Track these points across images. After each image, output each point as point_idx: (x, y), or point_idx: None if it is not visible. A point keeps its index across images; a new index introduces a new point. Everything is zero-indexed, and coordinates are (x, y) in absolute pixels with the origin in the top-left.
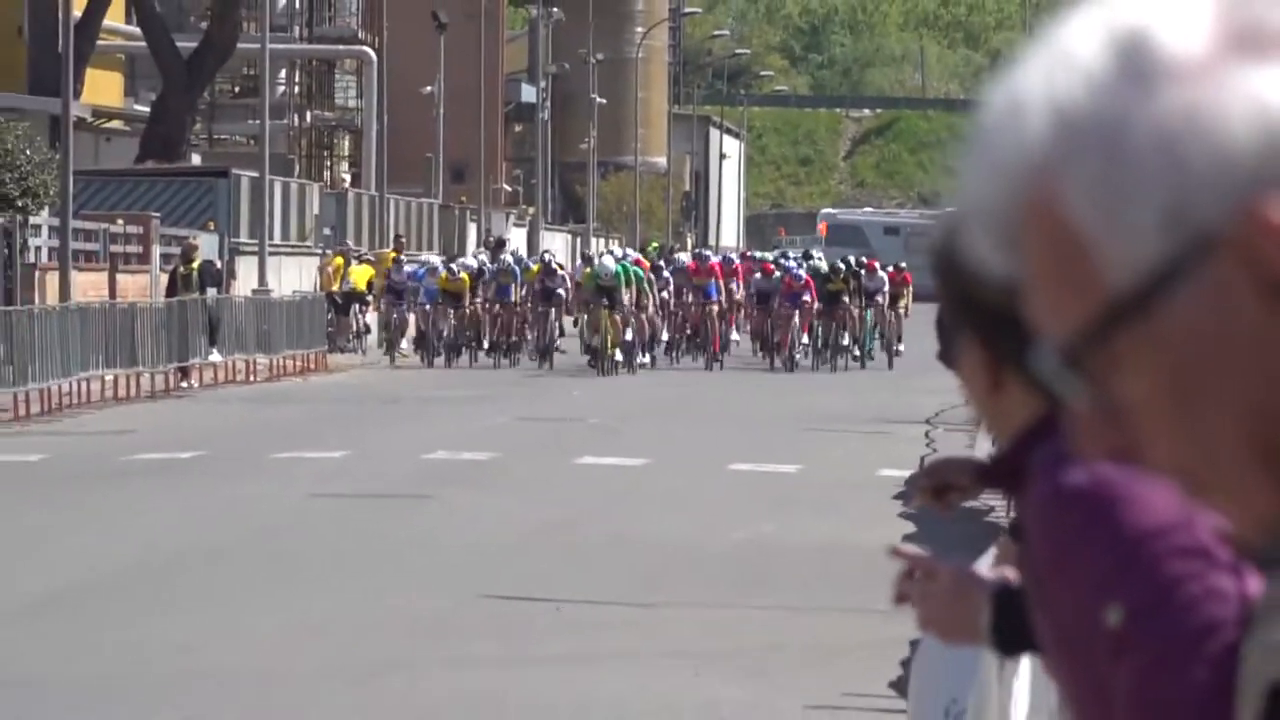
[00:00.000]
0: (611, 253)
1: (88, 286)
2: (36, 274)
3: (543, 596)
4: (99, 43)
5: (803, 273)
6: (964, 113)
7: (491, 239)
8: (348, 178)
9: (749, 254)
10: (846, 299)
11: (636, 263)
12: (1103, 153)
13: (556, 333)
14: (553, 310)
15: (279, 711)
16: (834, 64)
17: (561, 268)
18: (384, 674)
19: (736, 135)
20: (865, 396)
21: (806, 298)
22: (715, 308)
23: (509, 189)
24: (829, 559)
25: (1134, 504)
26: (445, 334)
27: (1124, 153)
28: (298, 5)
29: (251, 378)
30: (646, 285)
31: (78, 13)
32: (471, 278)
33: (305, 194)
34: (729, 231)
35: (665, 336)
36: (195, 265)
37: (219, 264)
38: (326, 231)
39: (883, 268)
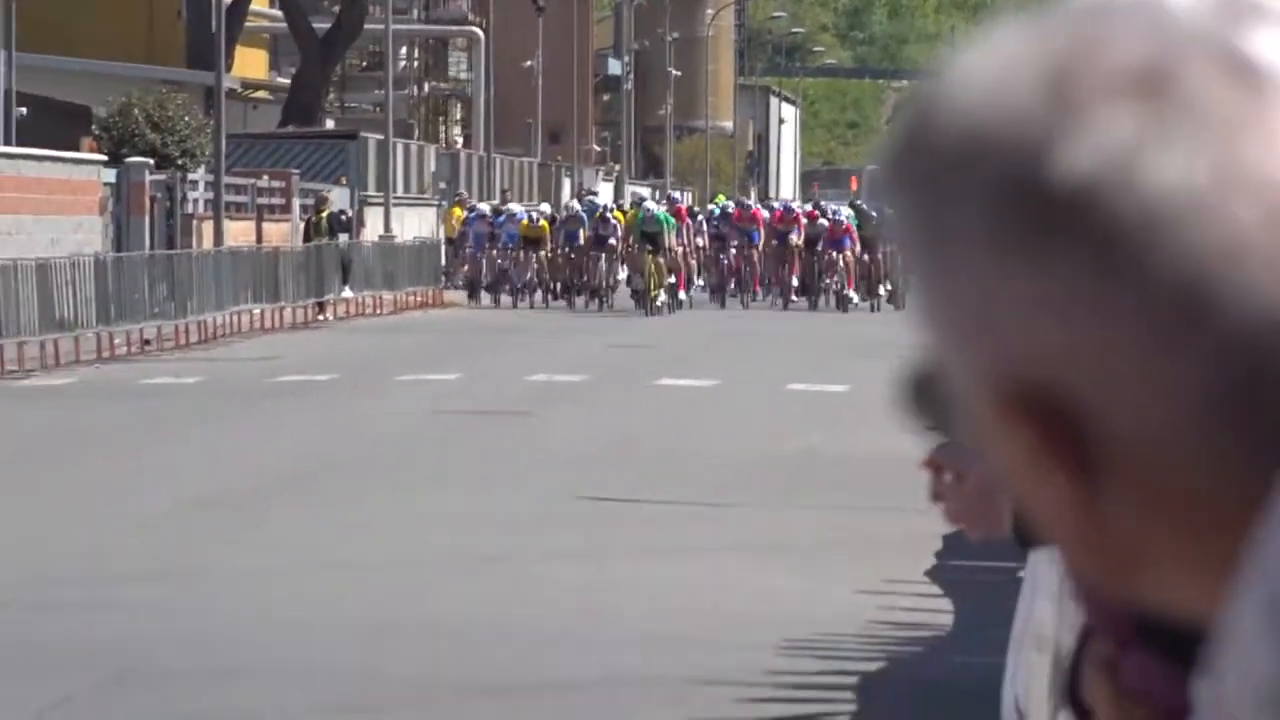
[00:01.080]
0: (581, 194)
1: (238, 233)
2: (194, 223)
3: (626, 497)
4: (246, 24)
5: (843, 218)
6: None
7: (583, 190)
8: (460, 140)
9: (788, 205)
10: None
11: (674, 211)
12: None
13: (608, 276)
14: (603, 255)
15: (405, 595)
16: (874, 41)
17: (614, 215)
18: (493, 563)
19: (793, 103)
20: (903, 326)
21: (849, 242)
22: (755, 252)
23: (598, 149)
24: (871, 465)
25: None
26: (529, 276)
27: None
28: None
29: (378, 311)
30: (678, 231)
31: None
32: (550, 224)
33: (423, 154)
34: (786, 186)
35: (700, 280)
36: (324, 215)
37: (348, 213)
38: (442, 186)
39: None
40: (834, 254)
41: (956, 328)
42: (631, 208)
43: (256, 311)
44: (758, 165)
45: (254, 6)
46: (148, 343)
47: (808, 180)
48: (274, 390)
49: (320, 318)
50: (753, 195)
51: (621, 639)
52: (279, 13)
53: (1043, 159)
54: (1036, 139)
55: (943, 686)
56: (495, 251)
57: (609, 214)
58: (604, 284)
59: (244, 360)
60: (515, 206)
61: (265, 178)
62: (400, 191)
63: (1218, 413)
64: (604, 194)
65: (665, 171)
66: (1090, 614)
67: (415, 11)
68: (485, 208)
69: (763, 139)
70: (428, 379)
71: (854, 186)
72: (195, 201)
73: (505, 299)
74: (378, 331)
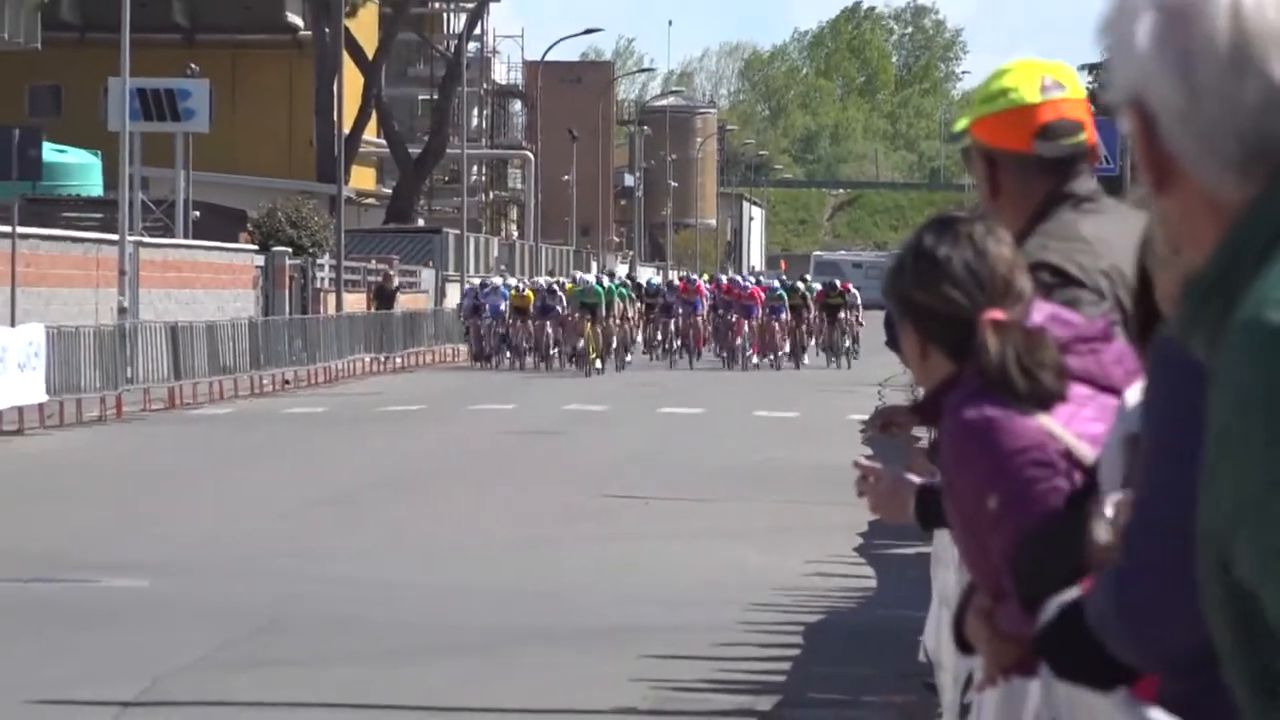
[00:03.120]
0: (602, 273)
1: (352, 302)
2: (321, 295)
3: (638, 495)
4: (360, 149)
5: (749, 285)
6: (902, 192)
7: (606, 270)
8: (516, 233)
9: (717, 278)
10: (805, 311)
11: (621, 283)
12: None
13: (551, 340)
14: (548, 323)
15: (475, 566)
16: (819, 161)
17: (559, 289)
18: (538, 545)
19: (759, 205)
20: (839, 372)
21: (757, 311)
22: (699, 319)
23: (616, 239)
24: (816, 470)
25: (1006, 430)
26: (518, 340)
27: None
28: (484, 124)
29: (440, 361)
30: (628, 300)
31: (347, 130)
32: (533, 295)
33: (488, 244)
34: (755, 267)
35: (640, 340)
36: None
37: (398, 286)
38: (502, 268)
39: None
40: (739, 319)
41: None
42: (571, 283)
43: (366, 359)
44: (734, 251)
45: (365, 135)
46: (287, 382)
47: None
48: (379, 417)
49: (414, 363)
50: (729, 272)
51: (633, 597)
52: (384, 141)
53: None
54: None
55: (868, 632)
56: (481, 321)
57: (556, 288)
58: (547, 347)
59: (357, 395)
60: (495, 280)
61: (373, 261)
62: (471, 271)
63: None
64: (620, 272)
65: (667, 255)
66: (975, 576)
67: (483, 140)
68: (476, 283)
69: (738, 232)
70: (491, 408)
71: (783, 267)
72: (321, 279)
73: (503, 361)
74: (452, 373)
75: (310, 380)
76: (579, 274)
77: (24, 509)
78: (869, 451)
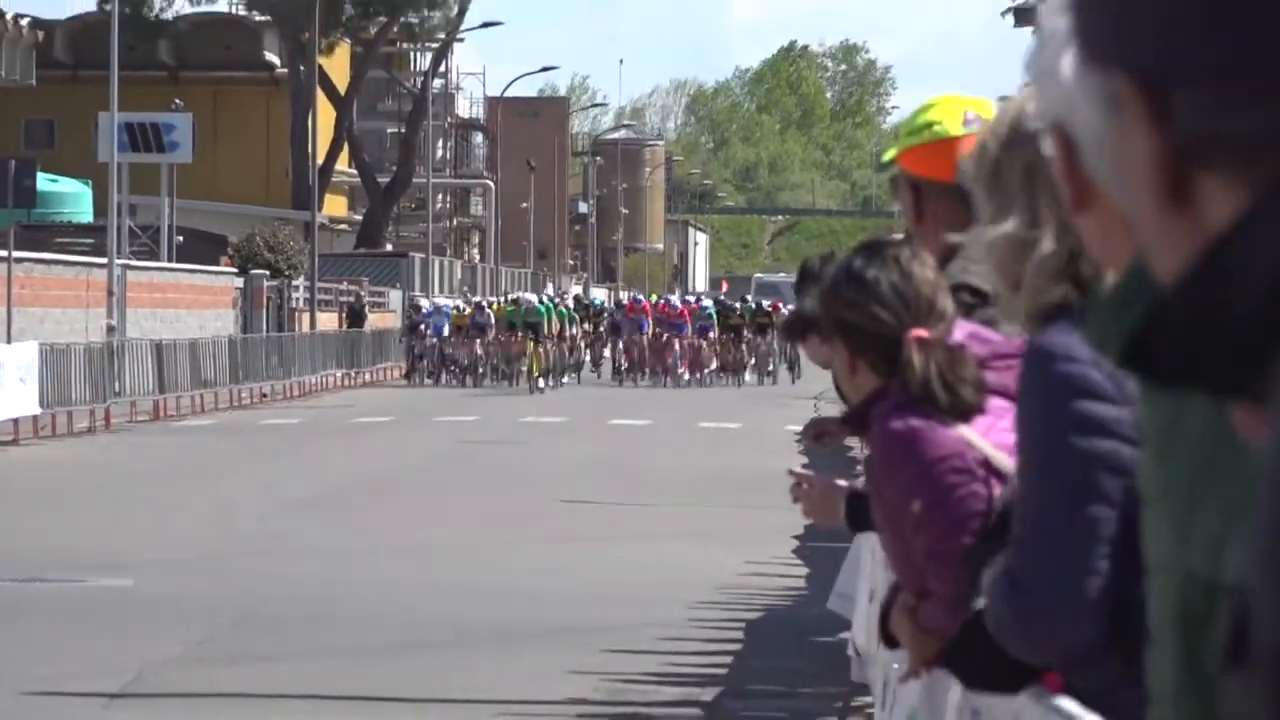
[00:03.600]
0: (543, 294)
1: (325, 321)
2: (296, 314)
3: (589, 500)
4: (333, 179)
5: (678, 303)
6: (836, 218)
7: (562, 291)
8: (478, 256)
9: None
10: (745, 331)
11: (561, 303)
12: None
13: (478, 357)
14: (478, 340)
15: (436, 566)
16: (759, 189)
17: (489, 308)
18: (498, 546)
19: (704, 231)
20: (778, 387)
21: (686, 329)
22: (644, 338)
23: (571, 263)
24: (755, 477)
25: (929, 440)
26: (460, 358)
27: None
28: (448, 155)
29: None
30: (567, 320)
31: (321, 160)
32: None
33: (452, 267)
34: (700, 288)
35: (587, 358)
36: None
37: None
38: (464, 289)
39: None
40: (672, 336)
41: None
42: (509, 303)
43: (338, 374)
44: (680, 274)
45: (338, 166)
46: (264, 396)
47: (714, 285)
48: (350, 427)
49: (381, 377)
50: (676, 294)
51: (586, 595)
52: (355, 171)
53: None
54: None
55: (803, 628)
56: (418, 340)
57: (485, 307)
58: (475, 363)
59: (329, 407)
60: (442, 300)
61: (344, 283)
62: (436, 293)
63: None
64: (574, 292)
65: (618, 278)
66: (899, 575)
67: (447, 170)
68: (424, 304)
69: (684, 256)
70: (454, 419)
71: (724, 288)
72: (296, 299)
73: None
74: (419, 389)
75: (286, 394)
76: (521, 295)
77: (18, 514)
78: (804, 460)
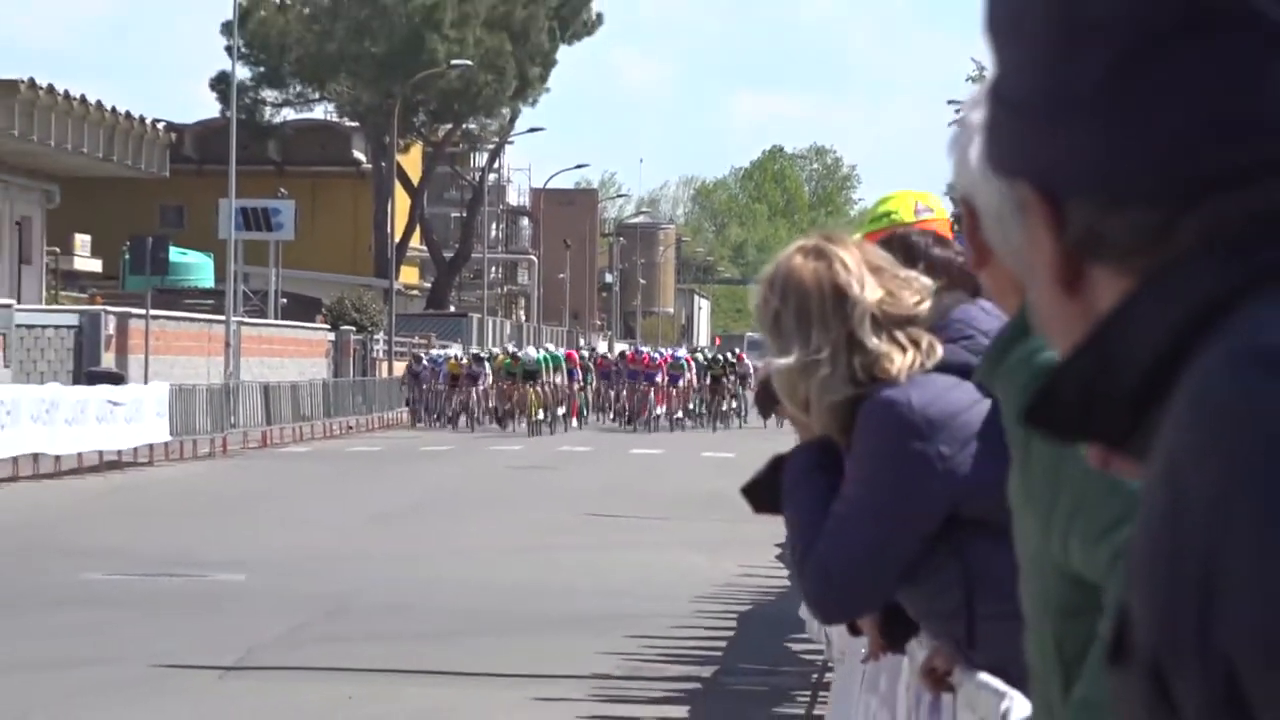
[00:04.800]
0: (541, 346)
1: (400, 369)
2: (376, 362)
3: (611, 514)
4: (407, 254)
5: (656, 356)
6: None
7: (589, 347)
8: (524, 317)
9: (637, 351)
10: (723, 379)
11: (568, 356)
12: None
13: (475, 402)
14: (474, 389)
15: (487, 567)
16: (751, 264)
17: (485, 360)
18: (537, 551)
19: (706, 298)
20: (767, 428)
21: (658, 377)
22: (645, 388)
23: (598, 323)
24: (733, 496)
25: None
26: (455, 404)
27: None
28: (500, 235)
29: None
30: (565, 370)
31: (398, 239)
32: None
33: (501, 325)
34: (703, 343)
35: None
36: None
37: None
38: (510, 346)
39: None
40: (646, 386)
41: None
42: (508, 357)
43: (409, 412)
44: (687, 332)
45: (411, 243)
46: (350, 428)
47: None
48: (420, 455)
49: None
50: (683, 349)
51: (609, 591)
52: (425, 247)
53: None
54: None
55: (784, 619)
56: (420, 387)
57: (483, 358)
58: (470, 409)
59: (402, 438)
60: (436, 352)
61: (415, 338)
62: (490, 345)
63: None
64: (602, 348)
65: (637, 335)
66: None
67: (499, 247)
68: (422, 355)
69: (690, 318)
70: (502, 449)
71: (717, 342)
72: (377, 351)
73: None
74: (477, 424)
75: (368, 426)
76: (515, 349)
77: (151, 521)
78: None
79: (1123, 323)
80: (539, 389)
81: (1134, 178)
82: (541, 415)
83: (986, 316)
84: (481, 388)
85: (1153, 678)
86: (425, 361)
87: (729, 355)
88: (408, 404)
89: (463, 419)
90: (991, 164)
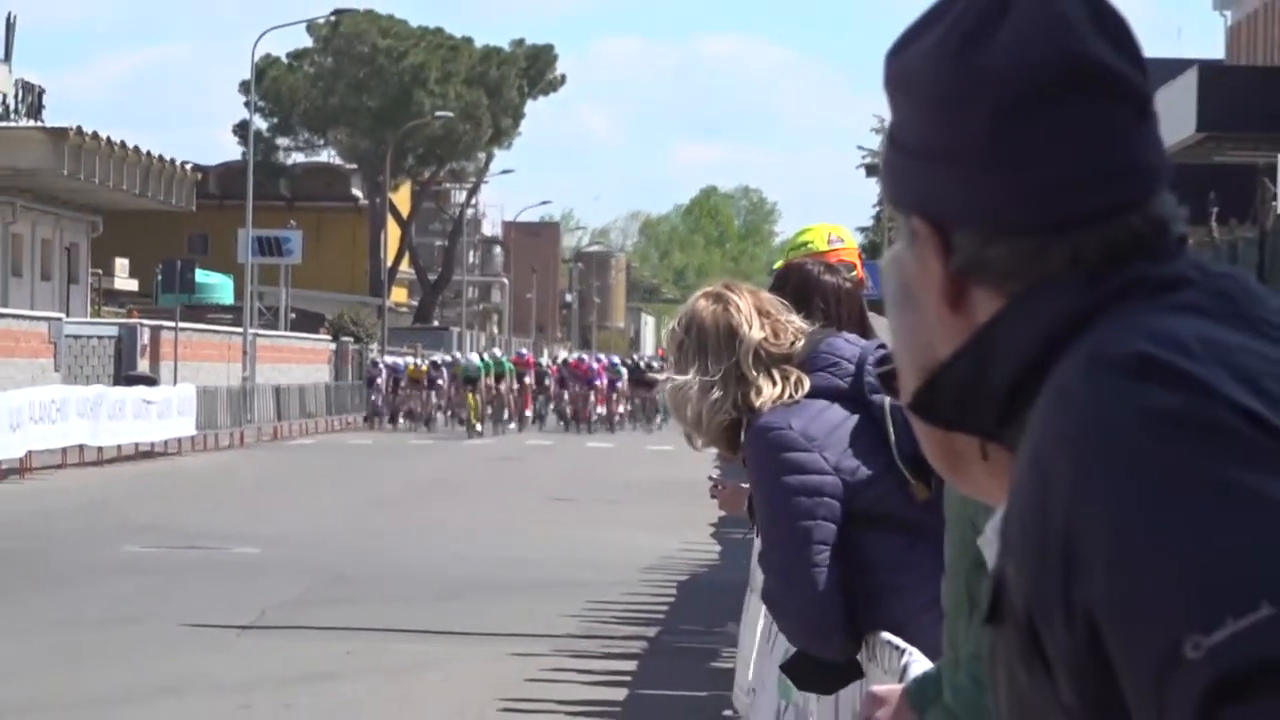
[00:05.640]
0: (484, 350)
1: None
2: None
3: (570, 497)
4: (397, 276)
5: (595, 364)
6: None
7: (551, 356)
8: (497, 330)
9: (580, 358)
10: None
11: (515, 360)
12: None
13: (433, 406)
14: (433, 393)
15: (466, 543)
16: (691, 286)
17: (442, 365)
18: (509, 529)
19: (651, 315)
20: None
21: (598, 381)
22: (591, 393)
23: (560, 335)
24: (687, 484)
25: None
26: (414, 407)
27: None
28: (477, 261)
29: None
30: (510, 374)
31: (389, 264)
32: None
33: (477, 338)
34: (649, 353)
35: (529, 413)
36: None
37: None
38: (486, 354)
39: None
40: (586, 390)
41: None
42: (456, 362)
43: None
44: (635, 344)
45: (401, 267)
46: (349, 424)
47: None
48: (408, 448)
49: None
50: (633, 360)
51: (570, 562)
52: (413, 271)
53: None
54: None
55: (718, 587)
56: (376, 390)
57: (441, 364)
58: (429, 413)
59: (393, 434)
60: (390, 359)
61: (404, 348)
62: (469, 351)
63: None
64: (562, 355)
65: (593, 346)
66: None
67: (476, 270)
68: (386, 361)
69: (638, 332)
70: (475, 443)
71: (660, 353)
72: (373, 360)
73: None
74: (453, 424)
75: (364, 424)
76: (459, 354)
77: (178, 502)
78: (719, 469)
79: (998, 333)
80: (476, 394)
81: (1011, 215)
82: (479, 424)
83: (848, 345)
84: (439, 392)
85: (1026, 632)
86: (381, 367)
87: (656, 363)
88: (369, 407)
89: (426, 419)
90: (888, 199)
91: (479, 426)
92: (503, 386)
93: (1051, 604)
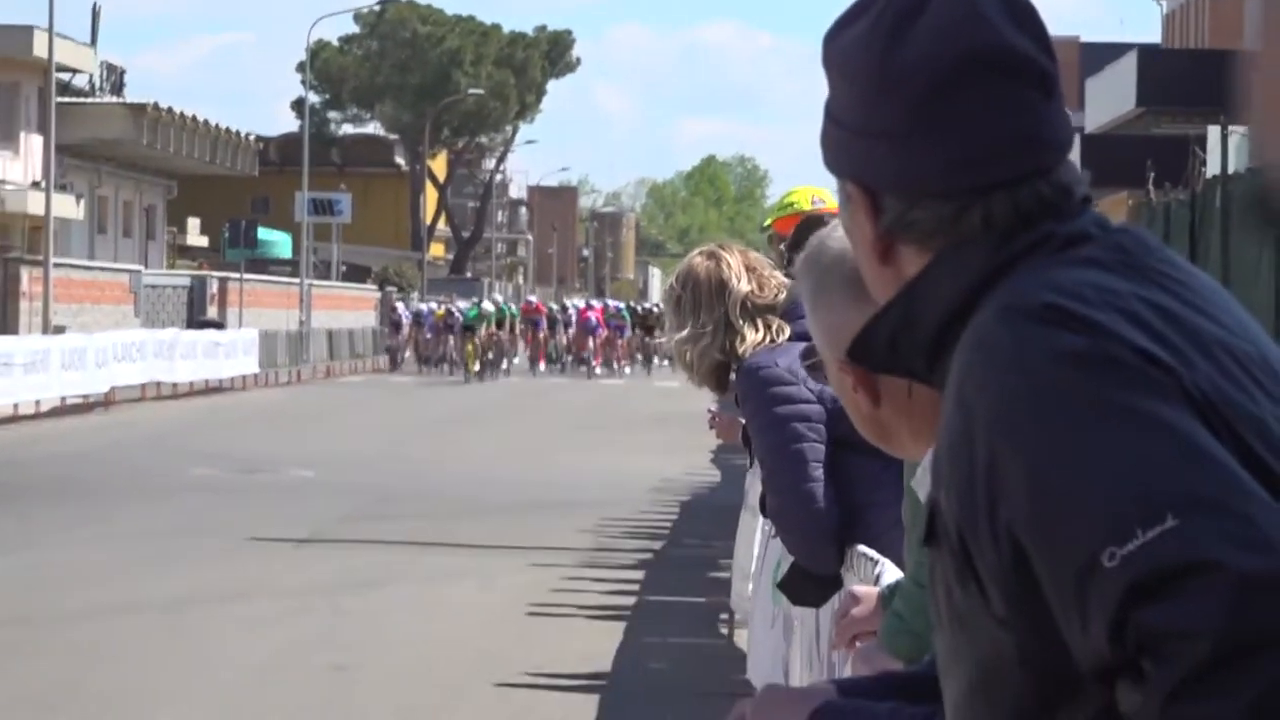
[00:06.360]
0: (490, 299)
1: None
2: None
3: (588, 428)
4: (435, 233)
5: (594, 312)
6: None
7: (563, 302)
8: (522, 280)
9: (589, 305)
10: (657, 330)
11: (524, 308)
12: None
13: (452, 351)
14: (451, 338)
15: (498, 465)
16: (693, 242)
17: (457, 313)
18: (533, 453)
19: (658, 268)
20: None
21: (599, 330)
22: (592, 339)
23: (578, 285)
24: (689, 416)
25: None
26: (429, 352)
27: None
28: (504, 220)
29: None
30: (511, 319)
31: (428, 222)
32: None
33: (505, 287)
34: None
35: (517, 358)
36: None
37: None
38: (488, 300)
39: None
40: (586, 338)
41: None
42: (474, 307)
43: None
44: (643, 293)
45: (439, 226)
46: (395, 364)
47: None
48: (445, 383)
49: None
50: (641, 308)
51: (588, 483)
52: (449, 229)
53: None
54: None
55: (717, 508)
56: (399, 336)
57: (454, 311)
58: (446, 356)
59: (432, 371)
60: (421, 305)
61: (443, 297)
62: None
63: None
64: (579, 303)
65: (606, 295)
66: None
67: (504, 229)
68: (422, 307)
69: (646, 283)
70: (501, 381)
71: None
72: (394, 304)
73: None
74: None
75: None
76: (462, 303)
77: (244, 432)
78: (717, 401)
79: (923, 286)
80: (475, 341)
81: (931, 183)
82: (478, 369)
83: None
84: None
85: (960, 553)
86: (403, 312)
87: (656, 308)
88: (387, 350)
89: (436, 361)
90: (827, 166)
91: (476, 369)
92: (502, 333)
93: (979, 526)
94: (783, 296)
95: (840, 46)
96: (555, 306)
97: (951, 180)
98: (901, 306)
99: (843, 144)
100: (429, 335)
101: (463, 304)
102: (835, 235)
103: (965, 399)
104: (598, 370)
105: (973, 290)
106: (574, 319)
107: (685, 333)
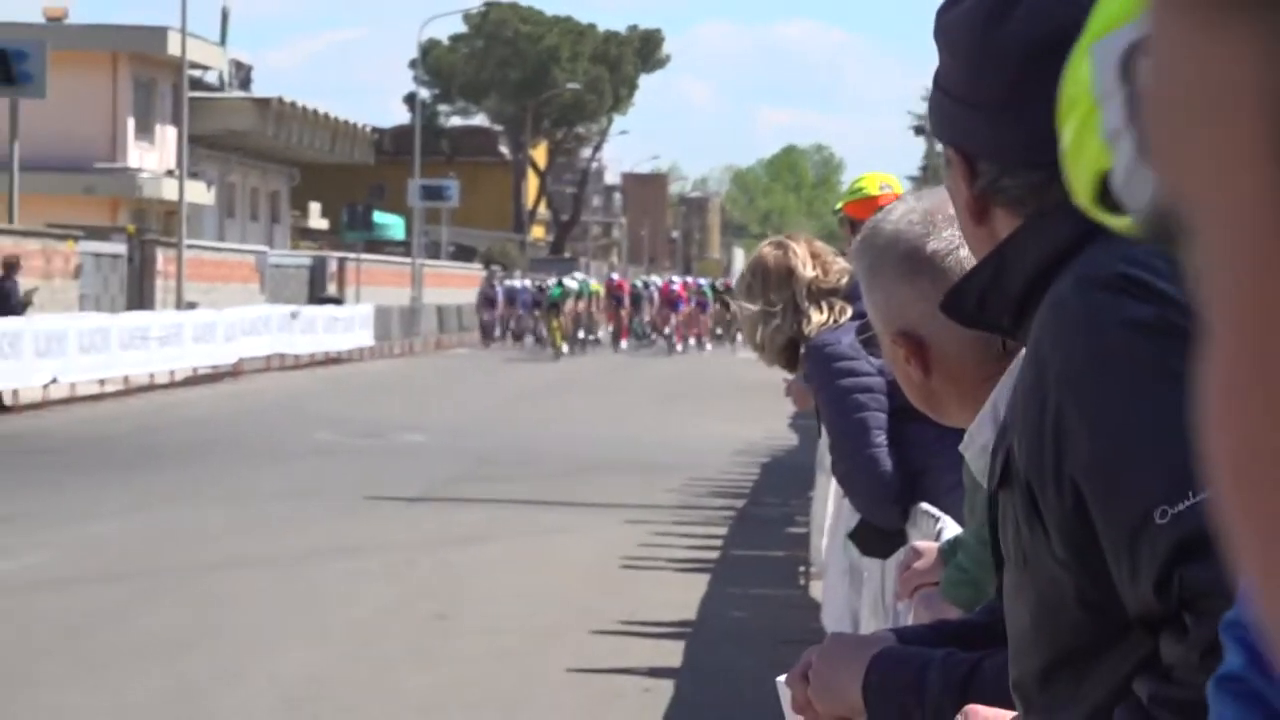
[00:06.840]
0: (573, 277)
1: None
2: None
3: (677, 395)
4: (536, 216)
5: (676, 287)
6: None
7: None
8: (616, 260)
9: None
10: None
11: (607, 285)
12: None
13: (543, 327)
14: (536, 312)
15: (592, 429)
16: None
17: (543, 289)
18: (624, 419)
19: (740, 248)
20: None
21: (681, 305)
22: (674, 315)
23: (668, 264)
24: (769, 384)
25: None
26: (523, 327)
27: None
28: (600, 205)
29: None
30: (592, 297)
31: (529, 207)
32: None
33: (600, 267)
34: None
35: (602, 333)
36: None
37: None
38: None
39: None
40: (669, 313)
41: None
42: (557, 285)
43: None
44: (727, 271)
45: (540, 210)
46: (489, 338)
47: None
48: (545, 356)
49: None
50: (705, 280)
51: (674, 447)
52: (549, 213)
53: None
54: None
55: (795, 468)
56: (492, 312)
57: (543, 287)
58: (540, 332)
59: (536, 346)
60: (514, 283)
61: (543, 277)
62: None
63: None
64: (651, 279)
65: (693, 273)
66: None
67: (600, 213)
68: (514, 284)
69: (730, 262)
70: (595, 355)
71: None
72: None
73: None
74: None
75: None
76: (548, 281)
77: (361, 400)
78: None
79: (1011, 250)
80: (561, 318)
81: (1020, 154)
82: (564, 345)
83: None
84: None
85: (1027, 495)
86: (498, 288)
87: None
88: (480, 326)
89: (520, 335)
90: (932, 131)
91: (564, 347)
92: (581, 306)
93: (1046, 473)
94: (845, 281)
95: (948, 21)
96: (639, 283)
97: (1037, 153)
98: (991, 267)
99: (946, 111)
100: (520, 311)
101: (550, 281)
102: (889, 219)
103: (1040, 356)
104: (678, 347)
105: (1056, 257)
106: (656, 295)
107: (756, 315)
